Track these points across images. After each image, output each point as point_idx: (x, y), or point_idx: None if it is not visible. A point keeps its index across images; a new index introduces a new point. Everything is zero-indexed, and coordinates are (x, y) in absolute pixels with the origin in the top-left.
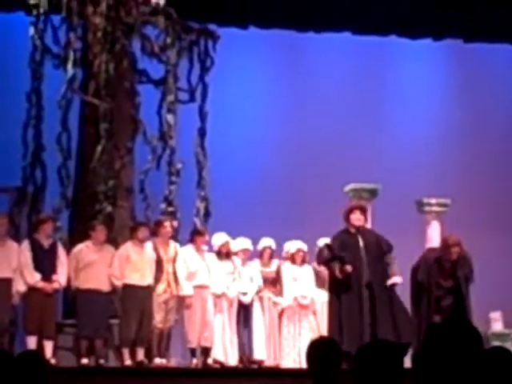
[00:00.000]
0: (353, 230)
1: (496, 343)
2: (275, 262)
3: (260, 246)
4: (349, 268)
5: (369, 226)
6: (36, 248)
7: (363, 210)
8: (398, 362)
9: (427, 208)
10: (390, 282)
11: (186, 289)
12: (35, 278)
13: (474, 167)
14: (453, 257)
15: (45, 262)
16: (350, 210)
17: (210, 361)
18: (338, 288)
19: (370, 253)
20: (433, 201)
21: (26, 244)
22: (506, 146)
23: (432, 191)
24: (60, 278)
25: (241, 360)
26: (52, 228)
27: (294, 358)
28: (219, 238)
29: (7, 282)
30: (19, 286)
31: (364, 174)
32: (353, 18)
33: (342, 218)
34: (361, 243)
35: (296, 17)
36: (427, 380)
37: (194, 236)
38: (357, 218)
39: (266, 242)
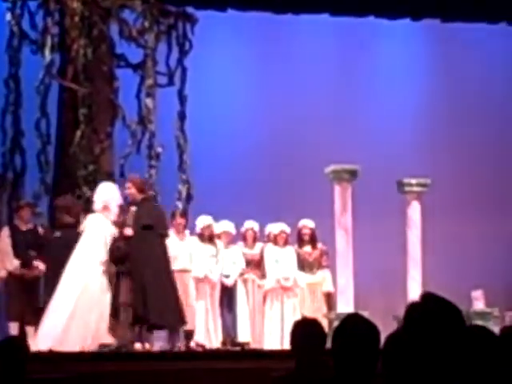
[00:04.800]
0: None
1: (478, 322)
2: (259, 245)
3: (243, 229)
4: None
5: (349, 206)
6: (15, 234)
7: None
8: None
9: (407, 188)
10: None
11: None
12: (14, 264)
13: (454, 147)
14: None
15: (24, 248)
16: None
17: (192, 344)
18: None
19: None
20: (413, 181)
21: (5, 230)
22: (485, 124)
23: (412, 171)
24: (41, 265)
25: (224, 343)
26: (30, 214)
27: (278, 339)
28: (202, 221)
29: None
30: None
31: (344, 155)
32: None
33: None
34: None
35: None
36: (406, 359)
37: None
38: None
39: (249, 224)
